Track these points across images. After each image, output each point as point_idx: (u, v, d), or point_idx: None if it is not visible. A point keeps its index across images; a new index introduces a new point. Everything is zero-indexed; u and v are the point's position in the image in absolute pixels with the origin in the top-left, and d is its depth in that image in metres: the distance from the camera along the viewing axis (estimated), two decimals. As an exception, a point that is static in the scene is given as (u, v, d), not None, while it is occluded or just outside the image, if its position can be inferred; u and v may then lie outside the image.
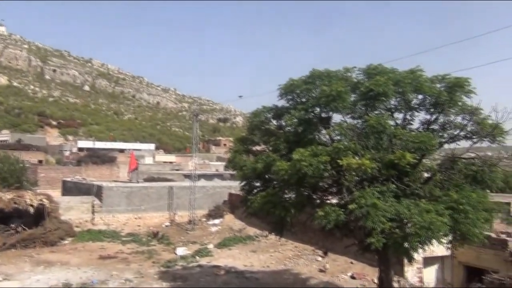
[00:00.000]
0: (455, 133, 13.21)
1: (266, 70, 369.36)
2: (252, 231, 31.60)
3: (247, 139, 16.41)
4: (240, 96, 74.27)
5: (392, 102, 13.30)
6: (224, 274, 22.55)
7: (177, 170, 64.13)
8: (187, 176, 42.78)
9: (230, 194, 38.09)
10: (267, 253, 26.67)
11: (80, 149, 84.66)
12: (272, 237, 24.83)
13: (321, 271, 22.35)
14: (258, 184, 15.36)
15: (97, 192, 36.24)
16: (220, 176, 51.50)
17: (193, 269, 23.76)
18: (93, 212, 34.44)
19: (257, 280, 21.59)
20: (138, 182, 43.87)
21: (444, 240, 12.27)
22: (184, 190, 38.10)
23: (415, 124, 13.79)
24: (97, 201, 35.01)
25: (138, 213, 36.13)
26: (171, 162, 79.91)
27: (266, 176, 14.51)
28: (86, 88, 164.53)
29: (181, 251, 27.67)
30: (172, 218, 37.05)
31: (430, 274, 21.60)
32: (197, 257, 26.30)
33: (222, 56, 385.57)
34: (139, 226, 34.73)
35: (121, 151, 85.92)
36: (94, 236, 31.40)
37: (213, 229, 34.69)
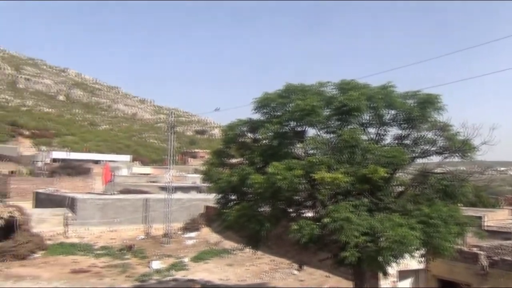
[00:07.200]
0: (427, 148, 13.46)
1: (247, 83, 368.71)
2: (228, 244, 31.39)
3: (223, 152, 16.27)
4: (217, 109, 72.69)
5: (365, 117, 13.50)
6: (200, 288, 22.33)
7: (153, 182, 63.34)
8: (163, 189, 42.32)
9: (207, 207, 37.82)
10: (243, 267, 26.52)
11: (54, 160, 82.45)
12: (248, 250, 24.73)
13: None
14: (233, 197, 15.26)
15: (70, 204, 35.52)
16: (197, 189, 51.01)
17: (168, 283, 23.44)
18: (66, 225, 33.76)
19: (233, 294, 21.45)
20: (112, 194, 43.18)
21: (416, 254, 12.44)
22: (159, 202, 37.67)
23: (388, 139, 14.02)
24: (70, 213, 34.31)
25: (112, 226, 35.57)
26: (147, 174, 78.77)
27: (242, 189, 14.43)
28: (61, 98, 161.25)
29: (156, 264, 27.28)
30: (147, 231, 36.55)
31: (405, 287, 21.84)
32: (172, 271, 25.96)
33: (199, 68, 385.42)
34: (113, 239, 34.14)
35: (96, 162, 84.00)
36: (67, 249, 30.75)
37: (189, 242, 34.35)
